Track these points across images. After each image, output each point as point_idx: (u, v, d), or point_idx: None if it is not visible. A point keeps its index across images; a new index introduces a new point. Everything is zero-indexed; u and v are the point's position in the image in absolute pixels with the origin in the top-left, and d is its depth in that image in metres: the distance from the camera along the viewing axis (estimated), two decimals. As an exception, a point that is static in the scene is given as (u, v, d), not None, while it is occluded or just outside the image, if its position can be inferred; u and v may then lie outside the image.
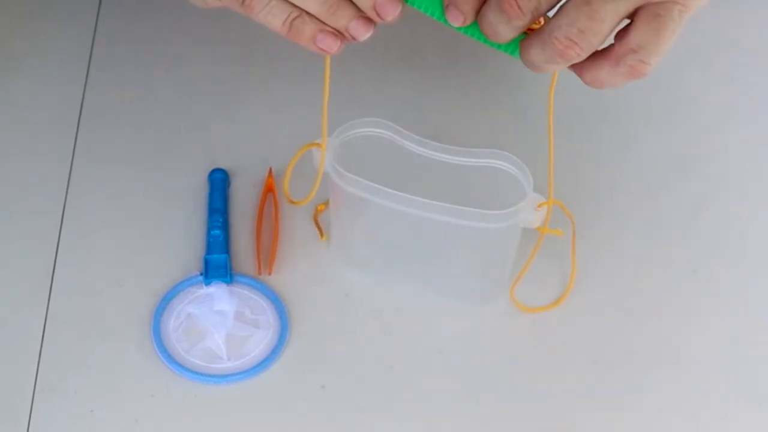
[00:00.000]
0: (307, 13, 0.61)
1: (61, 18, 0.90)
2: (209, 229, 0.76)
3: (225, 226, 0.76)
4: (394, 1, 0.60)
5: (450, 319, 0.74)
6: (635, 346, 0.73)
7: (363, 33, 0.61)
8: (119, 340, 0.72)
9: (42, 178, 0.80)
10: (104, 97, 0.85)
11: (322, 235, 0.77)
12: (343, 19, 0.61)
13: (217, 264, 0.75)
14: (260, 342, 0.72)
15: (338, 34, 0.61)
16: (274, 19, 0.61)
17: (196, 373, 0.71)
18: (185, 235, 0.77)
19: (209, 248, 0.75)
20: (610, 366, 0.72)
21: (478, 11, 0.59)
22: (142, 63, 0.87)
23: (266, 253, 0.76)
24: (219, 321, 0.73)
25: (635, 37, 0.59)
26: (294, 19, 0.61)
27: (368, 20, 0.61)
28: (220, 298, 0.74)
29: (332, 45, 0.61)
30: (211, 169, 0.80)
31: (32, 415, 0.69)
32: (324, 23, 0.61)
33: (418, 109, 0.84)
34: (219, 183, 0.79)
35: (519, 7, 0.58)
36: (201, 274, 0.75)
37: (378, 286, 0.75)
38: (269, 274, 0.75)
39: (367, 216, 0.71)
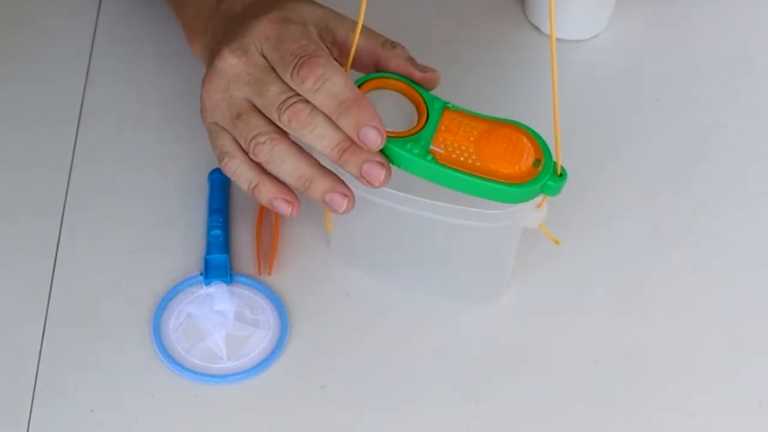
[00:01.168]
0: (270, 178, 0.68)
1: (61, 18, 0.90)
2: (209, 229, 0.76)
3: (225, 226, 0.76)
4: (380, 167, 0.65)
5: (450, 319, 0.74)
6: (635, 346, 0.73)
7: (338, 206, 0.67)
8: (119, 340, 0.72)
9: (42, 178, 0.80)
10: (104, 97, 0.85)
11: (329, 226, 0.76)
12: (317, 192, 0.67)
13: (217, 264, 0.75)
14: (260, 342, 0.72)
15: (291, 201, 0.69)
16: (241, 183, 0.69)
17: (196, 373, 0.71)
18: (185, 235, 0.77)
19: (209, 248, 0.75)
20: (610, 366, 0.72)
21: None
22: (142, 63, 0.87)
23: (266, 253, 0.76)
24: (219, 321, 0.73)
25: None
26: (254, 188, 0.69)
27: (343, 194, 0.67)
28: (220, 298, 0.74)
29: (285, 210, 0.69)
30: (211, 169, 0.80)
31: (32, 415, 0.69)
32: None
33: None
34: (219, 183, 0.79)
35: None
36: (201, 274, 0.75)
37: (378, 286, 0.75)
38: (269, 274, 0.75)
39: (367, 216, 0.71)
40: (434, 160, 0.65)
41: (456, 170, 0.65)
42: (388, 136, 0.65)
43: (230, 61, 0.67)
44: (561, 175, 0.66)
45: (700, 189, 0.81)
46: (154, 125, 0.83)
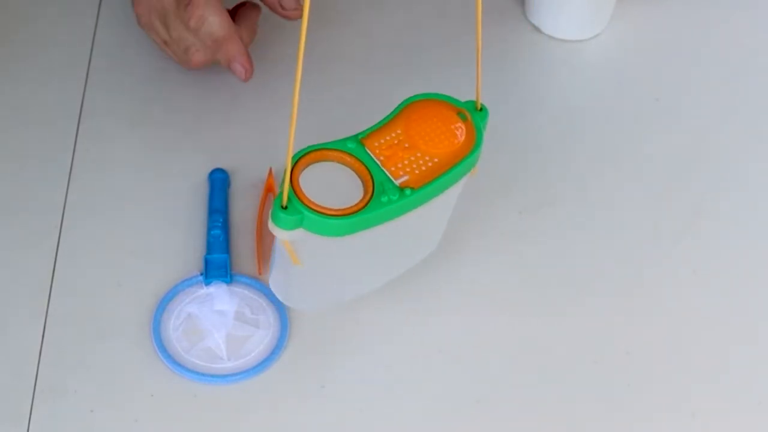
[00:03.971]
0: None
1: (61, 17, 0.90)
2: (209, 229, 0.76)
3: (225, 226, 0.76)
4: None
5: (450, 318, 0.74)
6: (635, 346, 0.73)
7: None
8: (119, 340, 0.72)
9: (42, 178, 0.80)
10: (104, 97, 0.85)
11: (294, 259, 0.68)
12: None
13: (217, 264, 0.75)
14: (260, 342, 0.72)
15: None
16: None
17: (196, 373, 0.71)
18: (185, 235, 0.77)
19: (209, 248, 0.75)
20: (610, 366, 0.72)
21: None
22: (142, 63, 0.87)
23: (266, 253, 0.76)
24: (219, 321, 0.73)
25: None
26: None
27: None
28: (220, 298, 0.74)
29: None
30: (211, 169, 0.80)
31: (32, 415, 0.69)
32: None
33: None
34: (219, 183, 0.79)
35: None
36: (201, 274, 0.75)
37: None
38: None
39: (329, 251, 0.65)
40: (412, 189, 0.63)
41: (432, 181, 0.63)
42: (358, 209, 0.62)
43: None
44: (481, 110, 0.66)
45: (700, 189, 0.81)
46: (153, 125, 0.83)
